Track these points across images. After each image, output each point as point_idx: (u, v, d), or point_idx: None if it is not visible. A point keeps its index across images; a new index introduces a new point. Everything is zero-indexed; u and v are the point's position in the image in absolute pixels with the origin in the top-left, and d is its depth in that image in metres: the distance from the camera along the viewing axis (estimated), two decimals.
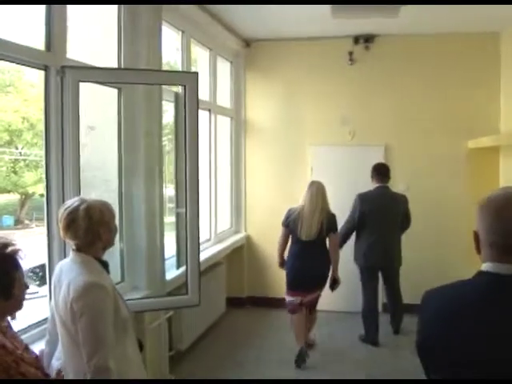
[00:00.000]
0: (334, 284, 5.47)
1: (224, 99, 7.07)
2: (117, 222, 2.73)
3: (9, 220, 7.54)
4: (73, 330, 2.37)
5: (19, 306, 2.18)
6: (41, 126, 3.47)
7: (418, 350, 1.74)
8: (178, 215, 4.81)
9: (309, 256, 5.24)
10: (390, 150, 6.86)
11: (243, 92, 7.25)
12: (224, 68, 7.08)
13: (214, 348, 5.71)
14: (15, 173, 6.98)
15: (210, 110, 6.39)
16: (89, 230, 2.49)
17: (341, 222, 5.66)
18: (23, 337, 3.08)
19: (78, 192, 3.44)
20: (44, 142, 3.42)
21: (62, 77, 3.36)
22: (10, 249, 2.09)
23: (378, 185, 5.95)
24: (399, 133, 6.84)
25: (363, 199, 5.88)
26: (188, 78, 3.75)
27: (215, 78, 6.51)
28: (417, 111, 6.80)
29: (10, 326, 2.24)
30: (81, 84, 4.14)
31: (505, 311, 1.56)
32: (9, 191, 7.24)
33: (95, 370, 2.27)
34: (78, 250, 2.52)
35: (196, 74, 3.78)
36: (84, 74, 3.48)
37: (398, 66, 6.82)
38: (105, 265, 2.60)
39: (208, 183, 6.48)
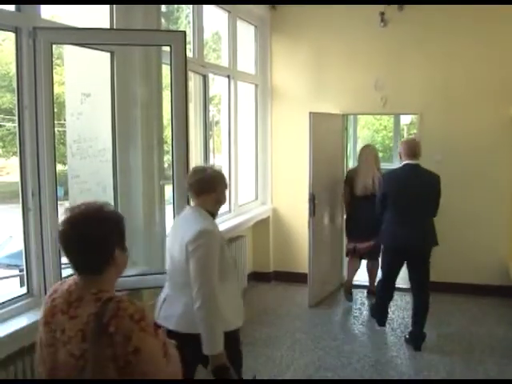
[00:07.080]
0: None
1: (249, 65, 6.73)
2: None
3: (59, 191, 7.54)
4: (185, 269, 2.84)
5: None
6: None
7: (383, 194, 4.93)
8: None
9: (362, 209, 5.95)
10: (424, 118, 6.38)
11: (269, 58, 6.85)
12: (248, 33, 6.72)
13: None
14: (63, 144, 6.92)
15: (228, 76, 6.07)
16: None
17: None
18: None
19: (54, 163, 3.26)
20: (17, 110, 3.22)
21: (35, 39, 3.14)
22: None
23: None
24: (435, 99, 6.31)
25: None
26: (173, 38, 3.44)
27: (235, 43, 6.15)
28: (455, 77, 6.24)
29: None
30: (76, 48, 3.97)
31: (416, 176, 4.82)
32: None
33: (204, 297, 2.75)
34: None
35: (182, 32, 3.46)
36: (57, 35, 3.23)
37: (434, 27, 6.24)
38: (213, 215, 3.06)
39: (227, 153, 6.19)
